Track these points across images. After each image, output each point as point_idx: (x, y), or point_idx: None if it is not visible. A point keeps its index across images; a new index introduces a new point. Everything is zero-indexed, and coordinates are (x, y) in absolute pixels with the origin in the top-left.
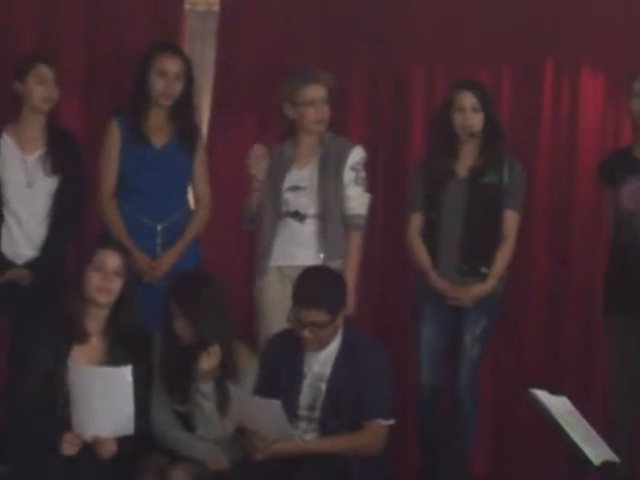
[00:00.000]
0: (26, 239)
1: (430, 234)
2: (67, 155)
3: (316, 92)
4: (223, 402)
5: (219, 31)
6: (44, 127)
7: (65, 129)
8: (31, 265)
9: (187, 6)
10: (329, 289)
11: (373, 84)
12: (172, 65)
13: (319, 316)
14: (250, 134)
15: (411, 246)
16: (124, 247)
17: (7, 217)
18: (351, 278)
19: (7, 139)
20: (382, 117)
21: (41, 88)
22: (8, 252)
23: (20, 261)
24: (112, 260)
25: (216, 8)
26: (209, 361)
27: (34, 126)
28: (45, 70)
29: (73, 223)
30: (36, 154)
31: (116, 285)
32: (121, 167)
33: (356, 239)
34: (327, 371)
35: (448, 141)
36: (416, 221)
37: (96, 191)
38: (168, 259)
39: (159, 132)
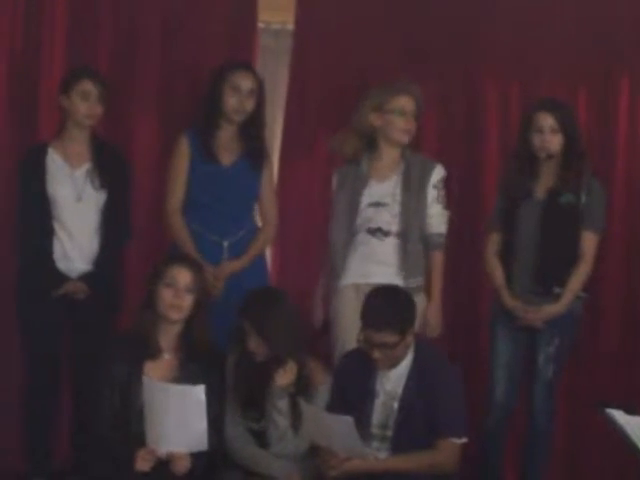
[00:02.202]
0: (79, 253)
1: (506, 254)
2: (113, 170)
3: (407, 103)
4: (297, 419)
5: (293, 49)
6: (89, 141)
7: (111, 144)
8: (86, 278)
9: (261, 24)
10: (397, 309)
11: (447, 102)
12: (246, 82)
13: (388, 337)
14: (322, 153)
15: (487, 265)
16: (196, 263)
17: (59, 232)
18: (437, 299)
19: (53, 155)
20: (456, 136)
21: (85, 104)
22: (62, 266)
23: (74, 275)
24: (184, 276)
25: (290, 27)
26: (285, 377)
27: (80, 141)
28: (89, 86)
29: (123, 237)
30: (83, 168)
31: (187, 302)
32: (189, 183)
33: (439, 258)
34: (399, 389)
35: (527, 161)
36: (494, 240)
37: (163, 206)
38: (230, 268)
39: (228, 150)
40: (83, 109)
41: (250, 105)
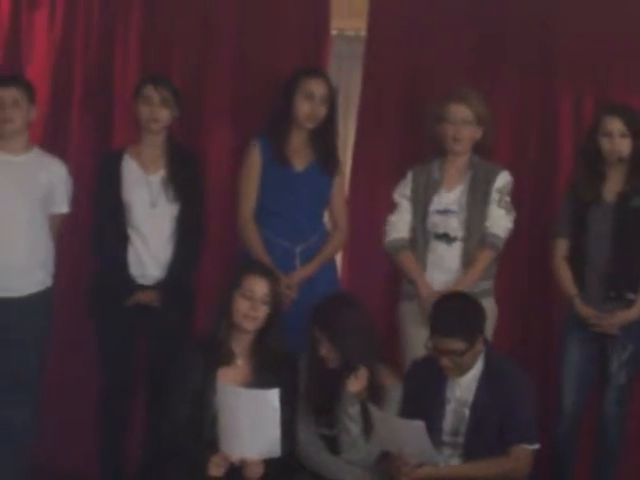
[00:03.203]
0: (153, 259)
1: (576, 259)
2: (188, 178)
3: (457, 111)
4: (368, 425)
5: (365, 55)
6: (164, 147)
7: (187, 149)
8: (160, 286)
9: (334, 31)
10: (466, 316)
11: (521, 109)
12: (318, 88)
13: (456, 344)
14: (395, 158)
15: (557, 272)
16: (272, 273)
17: (133, 238)
18: (458, 287)
19: (129, 161)
20: (529, 143)
21: (147, 109)
22: (136, 272)
23: (148, 282)
24: (260, 287)
25: (363, 33)
26: (357, 384)
27: (153, 146)
28: (150, 91)
29: (198, 244)
30: (159, 175)
31: (263, 312)
32: (260, 189)
33: (485, 257)
34: (470, 396)
35: (595, 165)
36: (562, 246)
37: (236, 213)
38: (301, 275)
39: (300, 155)
40: (145, 114)
41: (322, 111)
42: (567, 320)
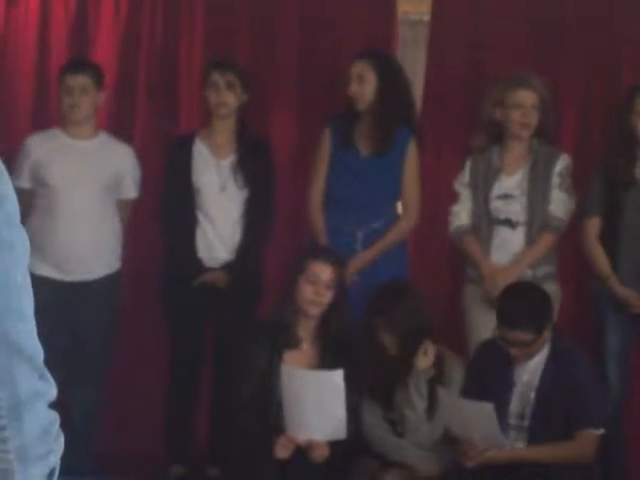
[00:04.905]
0: (221, 242)
1: (610, 239)
2: (257, 164)
3: (526, 97)
4: (432, 407)
5: (430, 40)
6: (235, 132)
7: (258, 136)
8: (227, 268)
9: (399, 15)
10: (533, 307)
11: (586, 92)
12: (356, 69)
13: (524, 335)
14: (459, 142)
15: (591, 251)
16: (337, 257)
17: (202, 221)
18: (516, 268)
19: (200, 145)
20: (594, 126)
21: (214, 94)
22: (204, 255)
23: (216, 264)
24: (325, 273)
25: (427, 17)
26: (425, 360)
27: (223, 131)
28: (216, 77)
29: (266, 228)
30: (229, 159)
31: (328, 298)
32: (329, 174)
33: (547, 240)
34: (536, 379)
35: (628, 145)
36: (594, 226)
37: (306, 199)
38: (362, 260)
39: (367, 140)
40: (213, 99)
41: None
42: (598, 302)
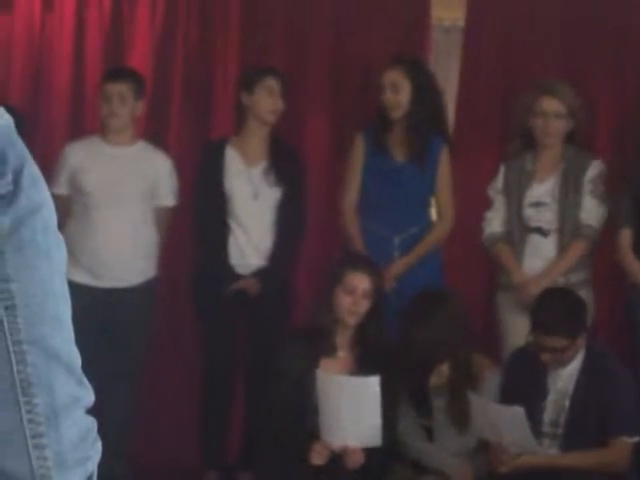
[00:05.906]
0: (254, 249)
1: None
2: (290, 168)
3: (548, 105)
4: (458, 417)
5: (464, 46)
6: (268, 140)
7: (289, 145)
8: (260, 274)
9: (433, 21)
10: (568, 314)
11: (621, 98)
12: (389, 77)
13: (558, 342)
14: (493, 147)
15: (626, 261)
16: (374, 266)
17: (234, 228)
18: (547, 277)
19: (231, 152)
20: (628, 132)
21: (270, 100)
22: (237, 263)
23: (248, 271)
24: (362, 283)
25: (461, 23)
26: (438, 378)
27: (259, 138)
28: (273, 82)
29: (298, 234)
30: (260, 166)
31: (365, 307)
32: (363, 180)
33: (578, 247)
34: (570, 387)
35: None
36: (627, 237)
37: (339, 205)
38: (399, 267)
39: (401, 146)
40: (268, 105)
41: (404, 101)
42: (634, 308)
